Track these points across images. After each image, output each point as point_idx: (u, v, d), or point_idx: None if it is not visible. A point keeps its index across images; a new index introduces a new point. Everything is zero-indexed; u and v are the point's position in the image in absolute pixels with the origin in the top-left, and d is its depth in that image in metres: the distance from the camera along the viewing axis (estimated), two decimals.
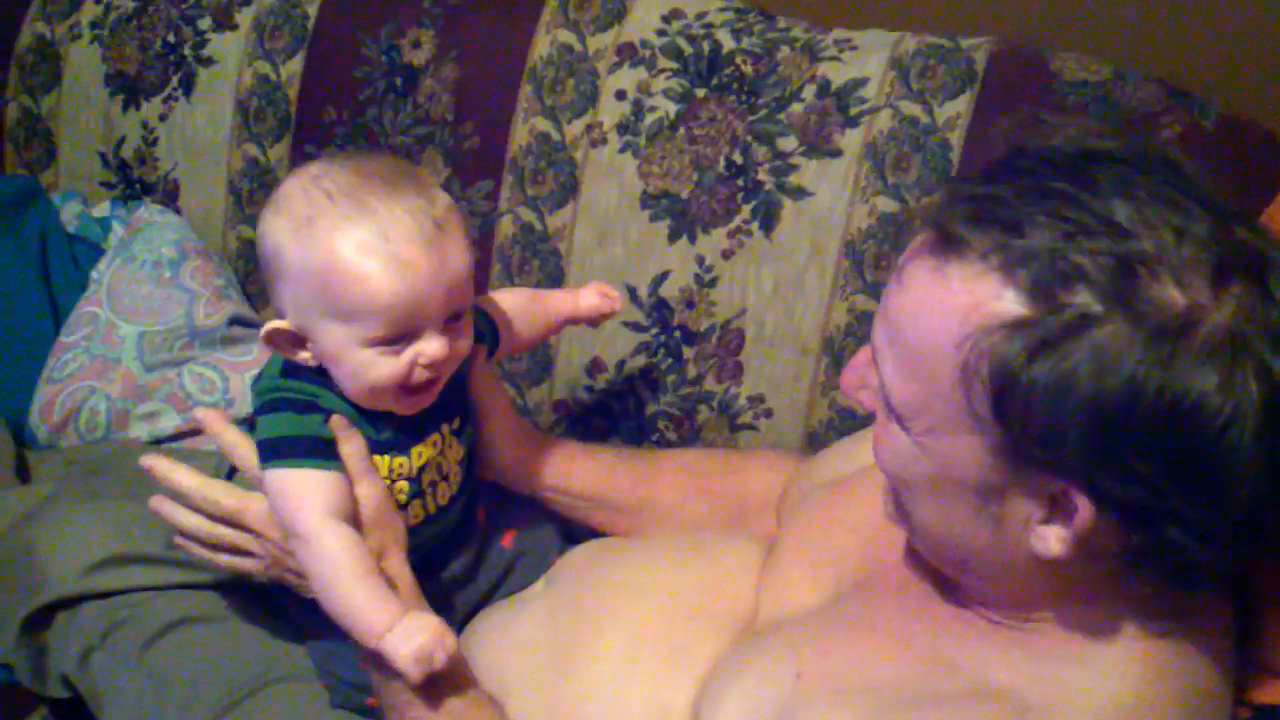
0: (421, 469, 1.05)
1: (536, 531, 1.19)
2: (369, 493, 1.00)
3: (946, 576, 0.91)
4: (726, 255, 1.36)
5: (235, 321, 1.43)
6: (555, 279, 1.42)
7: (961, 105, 1.31)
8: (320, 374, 1.01)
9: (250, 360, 1.41)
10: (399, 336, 0.97)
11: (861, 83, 1.34)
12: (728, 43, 1.39)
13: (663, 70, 1.39)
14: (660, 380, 1.40)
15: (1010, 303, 0.76)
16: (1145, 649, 0.84)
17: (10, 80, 1.65)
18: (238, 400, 1.37)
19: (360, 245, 0.94)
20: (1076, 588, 0.84)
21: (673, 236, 1.37)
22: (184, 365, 1.40)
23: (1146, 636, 0.84)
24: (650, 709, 0.98)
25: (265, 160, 1.54)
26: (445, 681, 0.96)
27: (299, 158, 1.52)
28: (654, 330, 1.39)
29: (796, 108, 1.35)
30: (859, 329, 1.32)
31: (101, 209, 1.57)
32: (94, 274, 1.47)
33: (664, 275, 1.38)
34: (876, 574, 0.97)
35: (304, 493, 0.98)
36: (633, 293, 1.39)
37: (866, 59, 1.35)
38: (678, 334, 1.39)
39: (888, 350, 0.83)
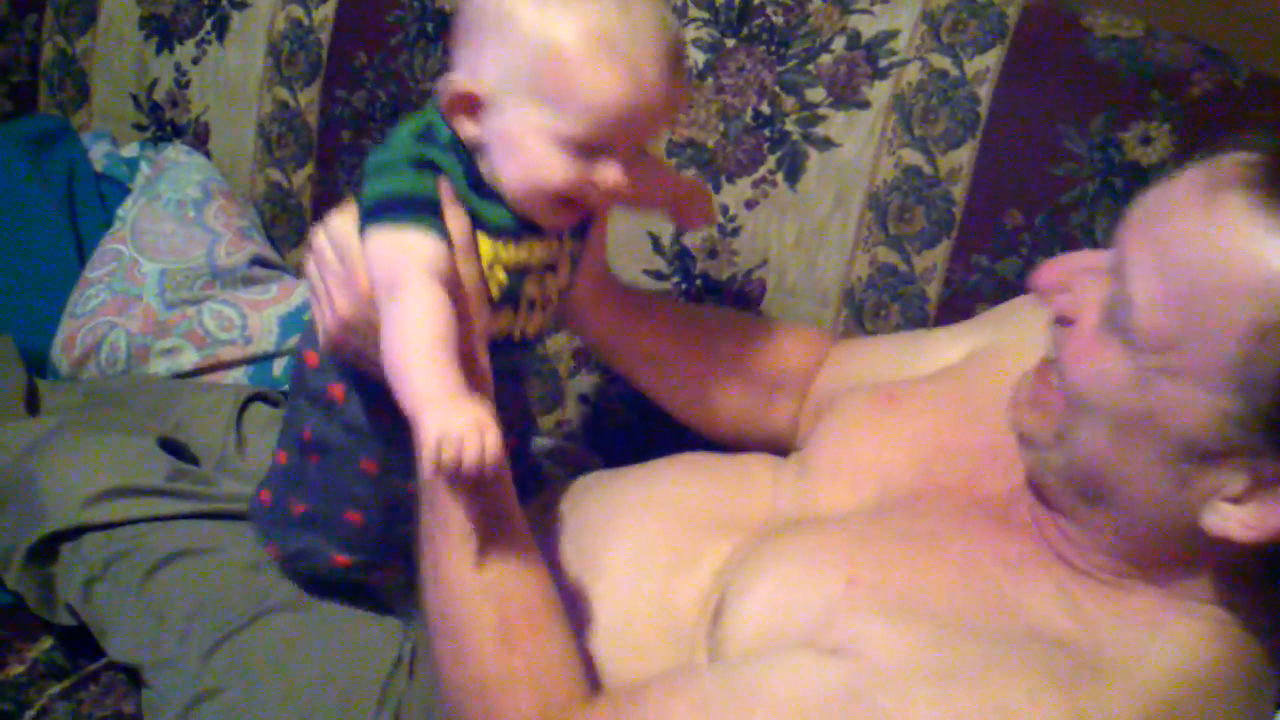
0: (525, 268, 0.97)
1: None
2: (467, 271, 0.92)
3: (1033, 512, 0.86)
4: (750, 205, 1.35)
5: (256, 262, 1.44)
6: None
7: (991, 59, 1.29)
8: (454, 141, 0.93)
9: (269, 299, 1.41)
10: (594, 145, 0.91)
11: (892, 35, 1.33)
12: None
13: (693, 19, 1.39)
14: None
15: None
16: (1223, 626, 0.81)
17: (45, 22, 1.66)
18: (255, 337, 1.38)
19: (608, 41, 0.87)
20: (1187, 554, 0.80)
21: None
22: (204, 303, 1.41)
23: (1225, 613, 0.81)
24: (656, 612, 0.95)
25: (295, 104, 1.54)
26: (485, 506, 0.89)
27: (329, 102, 1.53)
28: (675, 279, 1.39)
29: (825, 59, 1.34)
30: (880, 281, 1.32)
31: (130, 149, 1.58)
32: (119, 212, 1.48)
33: None
34: (934, 493, 0.93)
35: (409, 251, 0.89)
36: (655, 241, 1.39)
37: (898, 11, 1.33)
38: (699, 283, 1.38)
39: (1151, 271, 0.76)
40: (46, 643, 1.21)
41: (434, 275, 0.88)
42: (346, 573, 1.10)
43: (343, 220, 0.94)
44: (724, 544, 0.97)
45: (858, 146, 1.32)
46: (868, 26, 1.34)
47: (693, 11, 1.39)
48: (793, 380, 1.19)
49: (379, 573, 1.11)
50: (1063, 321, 0.83)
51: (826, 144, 1.33)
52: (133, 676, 1.15)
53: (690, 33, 1.38)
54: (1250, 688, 0.81)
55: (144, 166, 1.54)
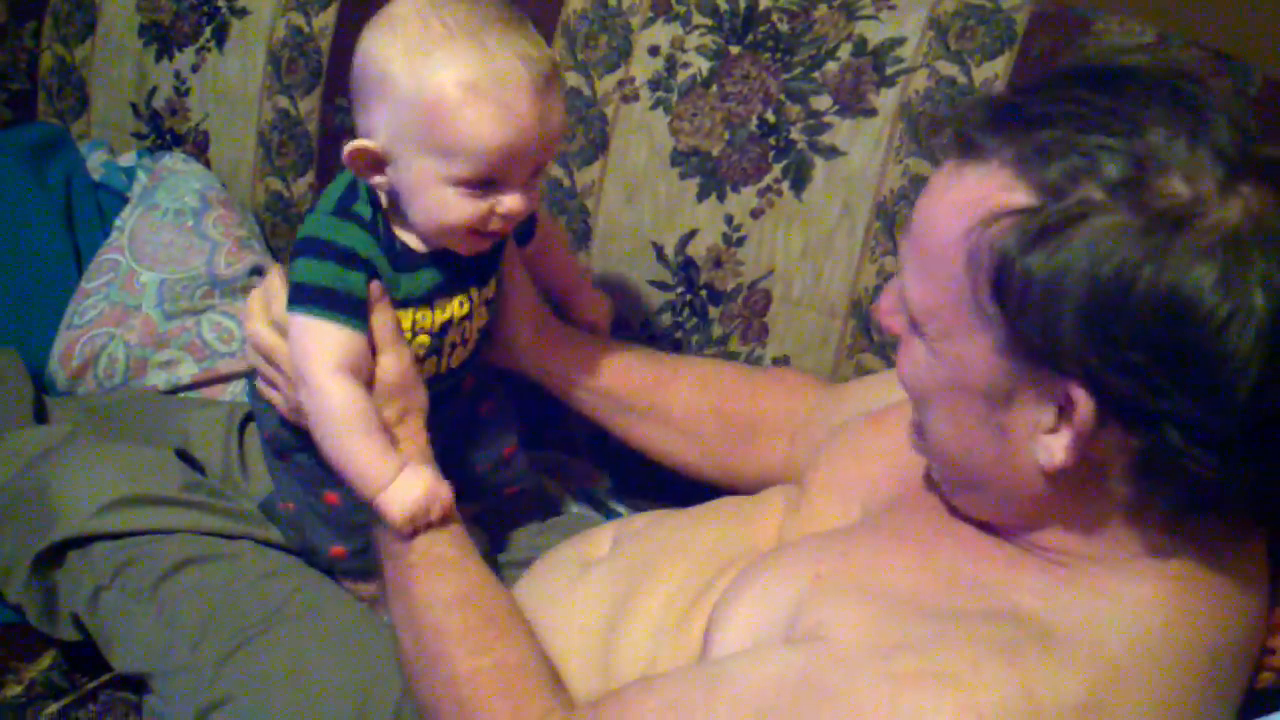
0: (445, 326, 1.06)
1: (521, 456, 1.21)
2: (393, 362, 1.01)
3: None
4: (756, 214, 1.34)
5: (256, 272, 1.43)
6: (582, 236, 1.40)
7: (1000, 66, 1.27)
8: (374, 216, 1.02)
9: None
10: (487, 181, 0.98)
11: (899, 42, 1.31)
12: (764, 0, 1.37)
13: (697, 26, 1.37)
14: (684, 340, 1.38)
15: (1018, 193, 0.76)
16: (1173, 589, 0.82)
17: (45, 29, 1.65)
18: None
19: (474, 86, 0.95)
20: (1087, 511, 0.83)
21: (702, 194, 1.35)
22: (203, 314, 1.40)
23: (1175, 578, 0.82)
24: (677, 652, 0.97)
25: (296, 112, 1.53)
26: (440, 539, 1.00)
27: (330, 110, 1.51)
28: (680, 289, 1.38)
29: (832, 66, 1.32)
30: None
31: (127, 158, 1.57)
32: (117, 221, 1.47)
33: (692, 233, 1.36)
34: (908, 494, 0.97)
35: (320, 343, 0.99)
36: (659, 251, 1.37)
37: (905, 18, 1.32)
38: (704, 293, 1.37)
39: (909, 257, 0.84)
40: (45, 662, 1.20)
41: (344, 370, 0.99)
42: (347, 563, 1.13)
43: (257, 328, 1.06)
44: (732, 575, 0.99)
45: (865, 155, 1.30)
46: (874, 33, 1.32)
47: (697, 19, 1.37)
48: (771, 420, 1.21)
49: (370, 575, 1.12)
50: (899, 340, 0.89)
51: (833, 152, 1.31)
52: (135, 691, 1.14)
53: (694, 39, 1.37)
54: (1206, 647, 0.82)
55: (141, 176, 1.53)
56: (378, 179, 1.01)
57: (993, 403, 0.81)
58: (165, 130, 1.60)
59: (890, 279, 0.91)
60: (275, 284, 1.05)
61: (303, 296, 1.00)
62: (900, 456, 0.97)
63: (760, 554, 1.01)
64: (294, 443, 1.09)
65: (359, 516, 1.06)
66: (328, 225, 1.02)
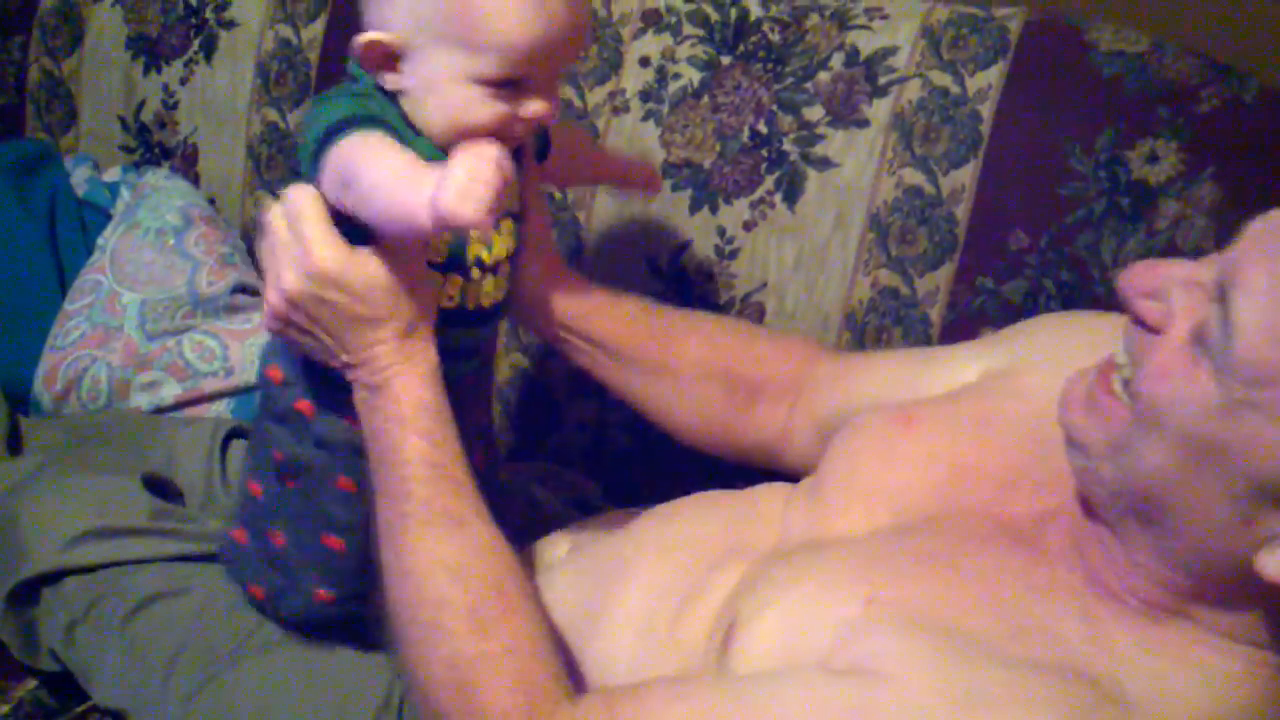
0: (464, 240, 0.98)
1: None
2: (405, 257, 0.91)
3: (1073, 539, 0.83)
4: (748, 227, 1.32)
5: (239, 289, 1.41)
6: (574, 248, 1.39)
7: (993, 76, 1.26)
8: (390, 102, 0.94)
9: (251, 328, 1.39)
10: (511, 81, 0.92)
11: (891, 52, 1.30)
12: (755, 10, 1.36)
13: (688, 37, 1.36)
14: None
15: None
16: (1260, 668, 0.77)
17: (32, 43, 1.64)
18: (237, 369, 1.36)
19: None
20: (1250, 605, 0.77)
21: (694, 207, 1.34)
22: (184, 334, 1.38)
23: (1264, 655, 0.77)
24: (666, 650, 0.93)
25: (285, 125, 1.52)
26: (444, 488, 0.91)
27: None
28: (673, 302, 1.35)
29: (824, 77, 1.31)
30: (882, 304, 1.29)
31: (112, 174, 1.56)
32: (99, 241, 1.46)
33: (684, 246, 1.35)
34: (955, 515, 0.89)
35: (370, 143, 0.88)
36: (652, 263, 1.36)
37: (897, 27, 1.31)
38: (697, 306, 1.35)
39: (1265, 296, 0.70)
40: (33, 683, 1.19)
41: (395, 148, 0.88)
42: (329, 609, 1.07)
43: (298, 193, 0.92)
44: (732, 572, 0.94)
45: (858, 166, 1.29)
46: (866, 43, 1.31)
47: (687, 29, 1.36)
48: (775, 386, 1.14)
49: (361, 606, 1.07)
50: (1148, 329, 0.77)
51: (825, 164, 1.30)
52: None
53: (685, 50, 1.36)
54: None
55: (124, 192, 1.51)
56: (391, 79, 0.93)
57: (1258, 493, 0.72)
58: (154, 144, 1.59)
59: (1166, 263, 0.78)
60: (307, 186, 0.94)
61: (331, 132, 0.89)
62: (939, 469, 0.92)
63: (768, 554, 0.95)
64: (313, 464, 1.02)
65: (352, 562, 1.03)
66: (347, 99, 0.92)
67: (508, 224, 1.02)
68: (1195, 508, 0.74)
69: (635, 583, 0.98)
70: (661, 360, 1.13)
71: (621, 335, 1.13)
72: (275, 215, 0.93)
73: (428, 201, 0.82)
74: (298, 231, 0.90)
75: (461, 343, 1.00)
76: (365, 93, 0.94)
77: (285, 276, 0.91)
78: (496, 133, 0.92)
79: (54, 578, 1.12)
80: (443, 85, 0.92)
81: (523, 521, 1.21)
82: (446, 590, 0.89)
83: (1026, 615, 0.80)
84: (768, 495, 1.04)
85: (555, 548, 1.10)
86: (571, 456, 1.39)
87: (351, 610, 1.07)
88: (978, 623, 0.79)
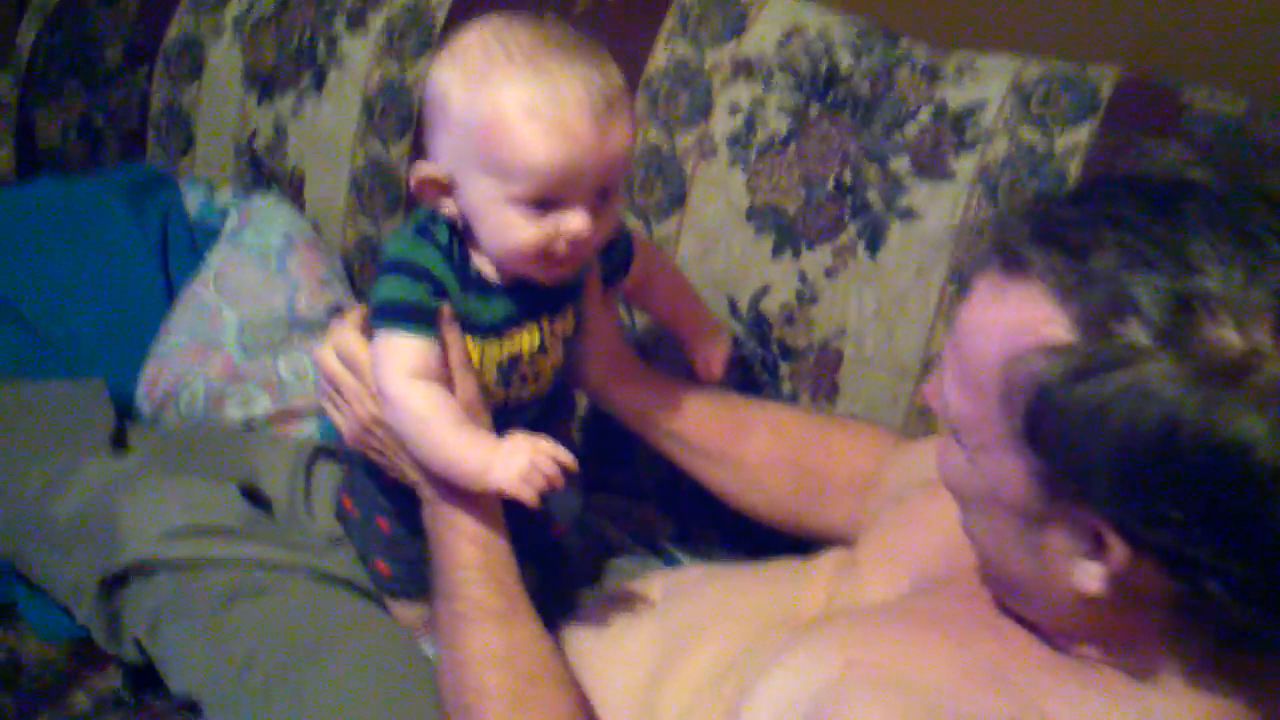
0: (514, 359, 1.07)
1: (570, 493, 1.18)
2: (459, 388, 1.03)
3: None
4: (830, 273, 1.33)
5: (336, 311, 1.46)
6: None
7: (1082, 134, 1.26)
8: (450, 240, 1.04)
9: None
10: (546, 201, 0.98)
11: (980, 106, 1.30)
12: (846, 61, 1.37)
13: (778, 86, 1.38)
14: (755, 394, 1.37)
15: (1060, 328, 0.74)
16: (1204, 708, 0.80)
17: (156, 72, 1.72)
18: None
19: (527, 105, 0.96)
20: (1126, 631, 0.81)
21: (776, 251, 1.35)
22: (281, 352, 1.43)
23: (1207, 695, 0.80)
24: (707, 714, 0.97)
25: (388, 158, 1.57)
26: (490, 588, 1.01)
27: (419, 157, 1.54)
28: (751, 344, 1.38)
29: (911, 129, 1.32)
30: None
31: (223, 197, 1.62)
32: (206, 259, 1.51)
33: (765, 290, 1.36)
34: (954, 575, 0.95)
35: (396, 353, 1.01)
36: (733, 305, 1.38)
37: (987, 83, 1.31)
38: (775, 349, 1.37)
39: (951, 361, 0.83)
40: (115, 676, 1.24)
41: (416, 373, 1.00)
42: (391, 583, 1.16)
43: (346, 335, 1.06)
44: (773, 642, 0.98)
45: (941, 218, 1.29)
46: (955, 97, 1.32)
47: (778, 77, 1.38)
48: (845, 477, 1.20)
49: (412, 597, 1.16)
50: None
51: (909, 215, 1.31)
52: (193, 713, 1.17)
53: (774, 98, 1.38)
54: None
55: (233, 215, 1.57)
56: (447, 204, 1.02)
57: (1027, 523, 0.80)
58: (264, 171, 1.65)
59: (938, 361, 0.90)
60: (351, 317, 1.08)
61: (381, 313, 1.02)
62: (955, 531, 0.94)
63: (801, 622, 1.00)
64: (358, 457, 1.12)
65: (407, 550, 1.10)
66: (407, 244, 1.04)
67: (558, 344, 1.10)
68: (1012, 558, 0.83)
69: (703, 646, 1.03)
70: (730, 451, 1.22)
71: (690, 429, 1.22)
72: (328, 357, 1.07)
73: (487, 475, 0.97)
74: (356, 369, 1.05)
75: (511, 419, 1.09)
76: (428, 227, 1.04)
77: (356, 410, 1.06)
78: (542, 250, 1.00)
79: (146, 569, 1.18)
80: (485, 209, 1.00)
81: (593, 561, 1.25)
82: (488, 679, 0.99)
83: (993, 665, 0.85)
84: (826, 563, 1.09)
85: (647, 595, 1.14)
86: (644, 491, 1.41)
87: (409, 587, 1.16)
88: (947, 675, 0.84)
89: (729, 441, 1.22)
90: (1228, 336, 0.70)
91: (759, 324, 1.37)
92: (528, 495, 0.96)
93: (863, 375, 1.33)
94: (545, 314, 1.08)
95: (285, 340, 1.44)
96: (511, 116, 0.96)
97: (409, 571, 1.14)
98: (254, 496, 1.27)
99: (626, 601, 1.12)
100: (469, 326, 1.05)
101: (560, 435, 1.18)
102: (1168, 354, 0.71)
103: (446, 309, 1.03)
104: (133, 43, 1.75)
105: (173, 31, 1.72)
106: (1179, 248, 0.72)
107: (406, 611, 1.16)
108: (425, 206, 1.04)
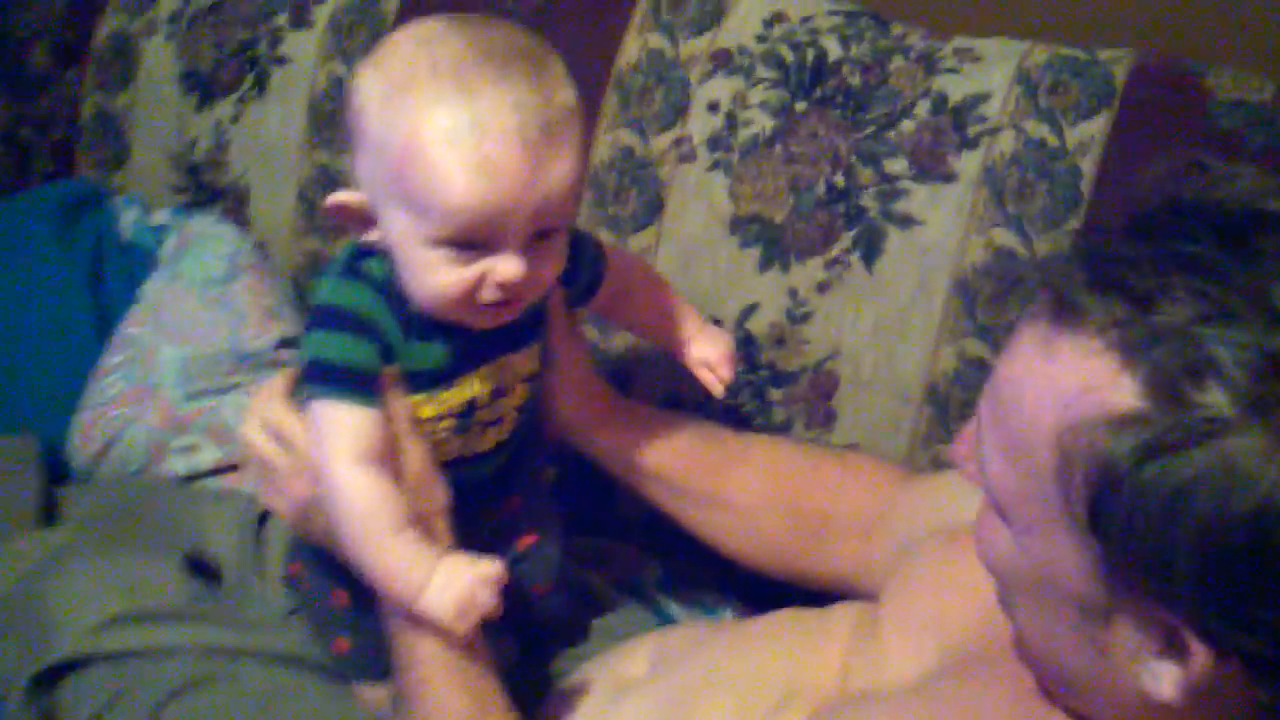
0: (470, 405, 0.95)
1: (548, 548, 1.09)
2: (406, 460, 0.92)
3: None
4: (822, 288, 1.23)
5: (284, 344, 1.35)
6: None
7: (1097, 127, 1.17)
8: (387, 275, 0.91)
9: None
10: (470, 244, 0.86)
11: (983, 98, 1.21)
12: (835, 51, 1.26)
13: (761, 80, 1.27)
14: (744, 424, 1.27)
15: (1126, 392, 0.64)
16: None
17: (86, 76, 1.59)
18: None
19: (447, 134, 0.82)
20: None
21: (764, 265, 1.25)
22: (226, 393, 1.33)
23: None
24: None
25: (339, 168, 1.45)
26: (451, 653, 0.92)
27: None
28: (739, 368, 1.26)
29: (908, 125, 1.22)
30: (968, 376, 1.19)
31: (160, 216, 1.50)
32: (140, 292, 1.41)
33: (752, 308, 1.26)
34: (990, 653, 0.85)
35: (336, 429, 0.89)
36: (717, 325, 1.27)
37: (990, 72, 1.22)
38: (765, 374, 1.27)
39: (990, 428, 0.72)
40: None
41: (367, 459, 0.89)
42: (352, 661, 1.05)
43: (273, 406, 0.95)
44: (790, 716, 0.91)
45: (944, 225, 1.20)
46: (955, 88, 1.22)
47: (760, 71, 1.27)
48: (847, 517, 1.11)
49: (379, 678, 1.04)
50: None
51: (908, 221, 1.21)
52: None
53: (757, 94, 1.26)
54: None
55: (171, 238, 1.46)
56: (369, 235, 0.90)
57: (1088, 615, 0.70)
58: (204, 184, 1.53)
59: (971, 421, 0.78)
60: (276, 383, 0.97)
61: (315, 375, 0.90)
62: (982, 591, 0.85)
63: (814, 696, 0.91)
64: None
65: (370, 623, 0.98)
66: (336, 289, 0.92)
67: (517, 383, 0.99)
68: (1067, 651, 0.73)
69: (698, 716, 0.94)
70: (717, 492, 1.13)
71: (672, 467, 1.12)
72: (255, 434, 0.96)
73: (419, 601, 0.87)
74: (289, 445, 0.94)
75: (471, 475, 1.00)
76: (361, 261, 0.92)
77: (293, 489, 0.95)
78: (467, 297, 0.88)
79: (81, 663, 1.08)
80: (404, 247, 0.87)
81: (577, 622, 1.16)
82: None
83: None
84: (840, 622, 0.99)
85: (634, 664, 1.05)
86: (628, 528, 1.31)
87: (369, 664, 1.04)
88: None
89: (716, 481, 1.13)
90: None
91: (746, 346, 1.27)
92: (461, 630, 0.87)
93: (861, 400, 1.24)
94: (501, 354, 0.96)
95: (231, 379, 1.33)
96: (428, 145, 0.83)
97: (374, 648, 1.01)
98: (200, 566, 1.17)
99: (610, 678, 1.03)
100: (415, 378, 0.93)
101: (535, 478, 1.09)
102: (1257, 426, 0.61)
103: (390, 374, 0.91)
104: (60, 42, 1.62)
105: (104, 29, 1.59)
106: (1263, 295, 0.62)
107: (374, 694, 1.05)
108: (352, 236, 0.92)
